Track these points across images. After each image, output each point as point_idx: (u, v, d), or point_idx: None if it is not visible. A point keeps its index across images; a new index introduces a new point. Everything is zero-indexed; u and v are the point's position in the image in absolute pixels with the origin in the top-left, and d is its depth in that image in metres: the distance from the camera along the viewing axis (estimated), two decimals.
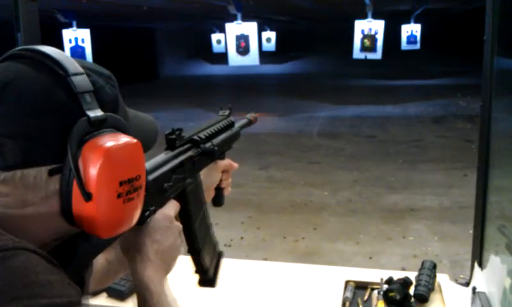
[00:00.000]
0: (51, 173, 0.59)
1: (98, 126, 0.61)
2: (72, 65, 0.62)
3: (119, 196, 0.61)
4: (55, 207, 0.61)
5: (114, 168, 0.60)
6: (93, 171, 0.58)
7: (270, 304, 1.70)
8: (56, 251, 0.63)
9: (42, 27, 1.78)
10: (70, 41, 6.41)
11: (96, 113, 0.61)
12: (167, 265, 0.79)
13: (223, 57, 7.84)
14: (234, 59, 6.51)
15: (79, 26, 6.48)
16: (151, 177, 0.77)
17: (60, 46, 6.12)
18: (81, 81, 0.62)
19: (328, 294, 1.72)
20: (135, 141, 0.64)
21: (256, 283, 1.84)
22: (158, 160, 0.82)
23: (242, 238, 4.80)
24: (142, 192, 0.66)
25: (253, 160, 7.54)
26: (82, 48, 6.45)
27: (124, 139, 0.62)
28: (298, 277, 1.87)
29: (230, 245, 4.57)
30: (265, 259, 4.21)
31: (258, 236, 4.86)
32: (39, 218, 0.60)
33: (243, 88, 15.73)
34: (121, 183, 0.61)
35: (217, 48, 10.95)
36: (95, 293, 1.69)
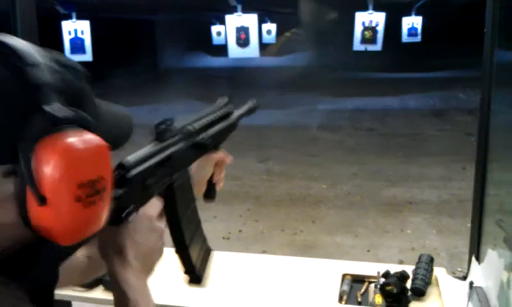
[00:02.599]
0: (5, 174, 0.54)
1: (57, 123, 0.54)
2: (31, 55, 0.57)
3: (78, 199, 0.55)
4: (12, 211, 0.55)
5: (72, 169, 0.54)
6: (47, 172, 0.53)
7: (267, 297, 1.70)
8: (16, 257, 0.59)
9: (41, 19, 1.77)
10: (70, 32, 6.37)
11: (54, 108, 0.55)
12: (147, 268, 0.75)
13: (223, 49, 7.80)
14: (234, 51, 6.47)
15: (79, 18, 6.43)
16: (133, 172, 0.71)
17: (59, 38, 6.09)
18: (40, 72, 0.56)
19: (325, 287, 1.72)
20: (97, 139, 0.57)
21: (253, 276, 1.84)
22: (142, 153, 0.75)
23: (240, 230, 4.80)
24: (106, 195, 0.60)
25: (252, 153, 7.53)
26: (82, 40, 6.41)
27: (86, 136, 0.56)
28: (296, 271, 1.87)
29: (228, 238, 4.57)
30: (264, 251, 4.21)
31: (256, 229, 4.86)
32: None
33: (243, 80, 15.67)
34: (80, 186, 0.55)
35: (217, 40, 10.87)
36: (91, 286, 1.69)
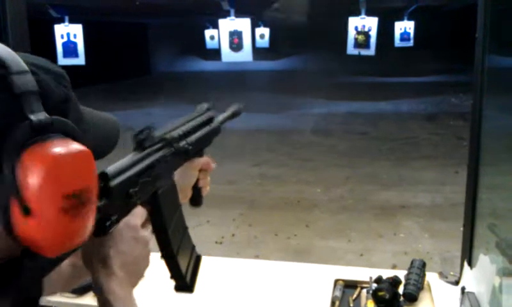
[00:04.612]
0: None
1: (42, 132, 0.54)
2: (16, 62, 0.55)
3: (63, 210, 0.54)
4: None
5: (57, 179, 0.53)
6: (31, 182, 0.51)
7: (260, 302, 1.69)
8: (0, 269, 0.58)
9: (34, 22, 1.76)
10: (62, 36, 6.34)
11: (39, 116, 0.54)
12: (133, 278, 0.74)
13: (216, 53, 7.80)
14: (227, 55, 6.47)
15: (71, 21, 6.40)
16: (114, 182, 0.70)
17: (52, 41, 6.06)
18: (24, 80, 0.55)
19: (317, 292, 1.71)
20: (83, 148, 0.56)
21: (246, 281, 1.83)
22: (123, 163, 0.74)
23: (233, 235, 4.79)
24: (92, 205, 0.59)
25: (246, 157, 7.52)
26: (75, 44, 6.38)
27: (71, 146, 0.55)
28: (288, 276, 1.86)
29: (221, 243, 4.56)
30: (257, 256, 4.20)
31: (250, 233, 4.85)
32: None
33: (236, 84, 15.69)
34: (65, 197, 0.54)
35: (210, 44, 10.90)
36: (81, 293, 1.68)
